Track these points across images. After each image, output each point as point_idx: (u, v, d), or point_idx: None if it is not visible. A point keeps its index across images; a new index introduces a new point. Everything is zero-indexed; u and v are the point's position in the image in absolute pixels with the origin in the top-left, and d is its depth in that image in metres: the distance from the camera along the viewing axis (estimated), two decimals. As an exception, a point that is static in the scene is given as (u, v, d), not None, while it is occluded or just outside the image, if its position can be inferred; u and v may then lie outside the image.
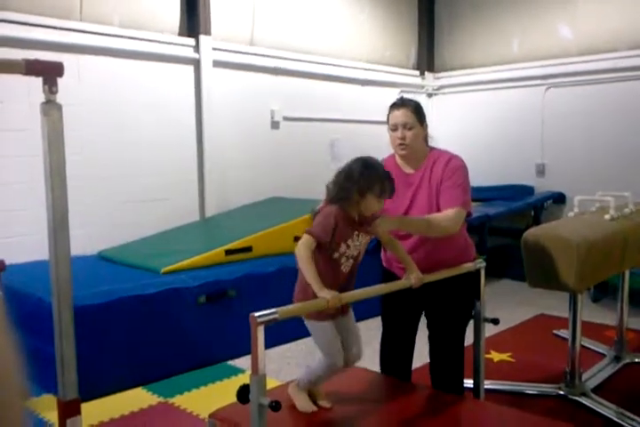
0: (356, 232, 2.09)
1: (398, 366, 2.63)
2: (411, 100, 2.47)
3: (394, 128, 2.38)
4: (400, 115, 2.37)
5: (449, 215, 2.29)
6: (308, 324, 2.16)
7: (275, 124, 5.87)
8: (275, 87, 5.81)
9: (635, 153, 5.85)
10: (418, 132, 2.39)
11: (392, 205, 2.38)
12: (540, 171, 6.55)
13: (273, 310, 1.70)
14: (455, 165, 2.39)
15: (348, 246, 2.09)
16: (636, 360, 3.67)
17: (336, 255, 2.08)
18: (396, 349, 2.63)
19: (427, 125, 2.46)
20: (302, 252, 1.99)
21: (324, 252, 2.06)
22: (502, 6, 6.82)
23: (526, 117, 6.63)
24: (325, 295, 1.92)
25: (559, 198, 6.34)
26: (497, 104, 6.92)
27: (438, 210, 2.34)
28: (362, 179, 2.04)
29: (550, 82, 6.44)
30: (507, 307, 4.89)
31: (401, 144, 2.37)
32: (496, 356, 3.81)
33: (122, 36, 4.67)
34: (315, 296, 1.96)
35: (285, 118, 5.89)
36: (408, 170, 2.45)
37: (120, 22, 4.71)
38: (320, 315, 2.09)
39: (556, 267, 2.73)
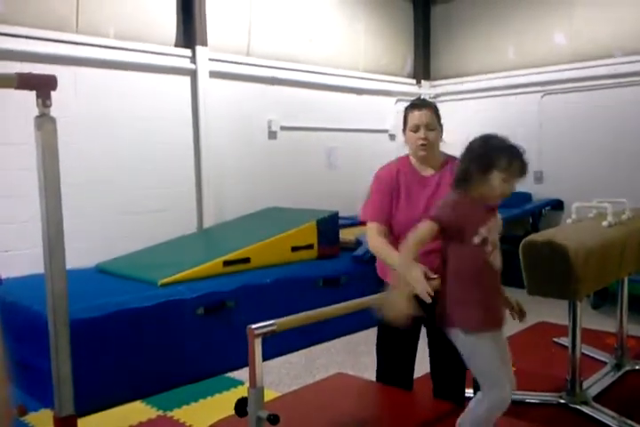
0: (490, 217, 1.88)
1: (400, 377, 2.59)
2: (430, 101, 2.48)
3: (415, 129, 2.35)
4: (422, 115, 2.35)
5: None
6: (466, 339, 1.80)
7: (272, 134, 5.87)
8: (272, 97, 5.83)
9: (632, 159, 5.86)
10: (438, 133, 2.39)
11: (406, 205, 2.38)
12: (538, 178, 6.55)
13: (271, 321, 1.68)
14: None
15: (489, 231, 1.86)
16: (637, 368, 3.65)
17: (476, 240, 1.82)
18: (397, 361, 2.59)
19: (442, 128, 2.46)
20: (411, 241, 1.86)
21: (461, 242, 1.82)
22: (497, 14, 6.86)
23: (523, 125, 6.64)
24: (417, 277, 1.80)
25: (557, 205, 6.34)
26: (493, 111, 6.94)
27: None
28: (483, 154, 1.81)
29: (546, 89, 6.46)
30: (506, 315, 4.86)
31: (423, 145, 2.35)
32: (496, 364, 3.78)
33: (118, 48, 4.68)
34: (484, 312, 1.73)
35: (283, 128, 5.90)
36: (424, 172, 2.43)
37: (116, 34, 4.72)
38: (487, 322, 1.78)
39: (555, 274, 2.72)
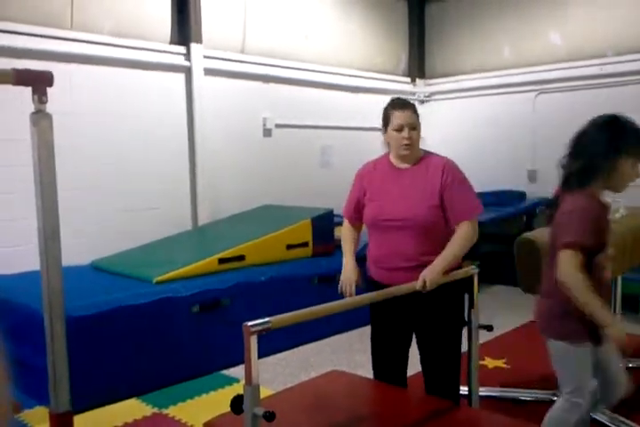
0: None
1: (393, 376, 2.61)
2: (410, 101, 2.54)
3: (399, 128, 2.41)
4: (406, 115, 2.42)
5: (467, 232, 2.37)
6: (557, 346, 1.86)
7: (267, 132, 5.87)
8: (266, 95, 5.82)
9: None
10: (419, 132, 2.47)
11: (378, 196, 2.47)
12: (532, 176, 6.58)
13: (266, 319, 1.69)
14: (459, 174, 2.45)
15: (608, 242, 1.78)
16: (631, 365, 3.67)
17: (599, 258, 1.75)
18: (388, 361, 2.62)
19: (420, 126, 2.52)
20: (574, 278, 1.64)
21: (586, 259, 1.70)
22: (492, 13, 6.87)
23: (517, 123, 6.67)
24: (619, 334, 1.65)
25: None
26: (488, 110, 6.95)
27: (443, 209, 2.39)
28: (611, 138, 1.66)
29: (540, 87, 6.48)
30: (500, 313, 4.89)
31: (407, 144, 2.41)
32: (490, 362, 3.80)
33: (113, 45, 4.67)
34: (583, 326, 1.67)
35: (278, 126, 5.89)
36: (401, 165, 2.51)
37: (110, 31, 4.71)
38: (582, 335, 1.76)
39: (549, 272, 2.73)
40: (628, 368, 3.60)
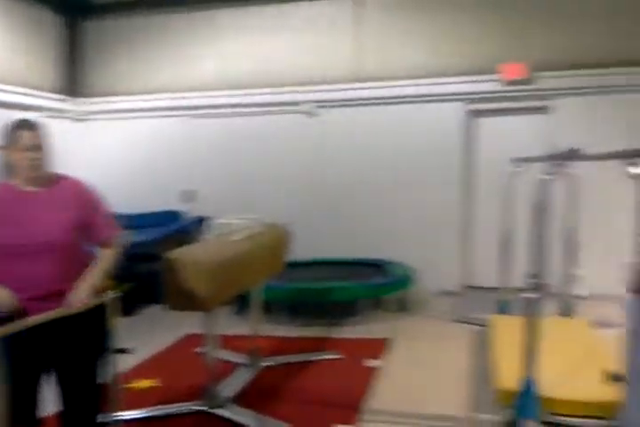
0: None
1: (30, 417, 2.39)
2: (38, 123, 2.44)
3: (27, 149, 2.32)
4: (35, 136, 2.35)
5: (111, 250, 2.49)
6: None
7: None
8: None
9: (267, 178, 6.58)
10: (47, 154, 2.40)
11: (7, 219, 2.30)
12: (190, 196, 6.83)
13: None
14: (94, 194, 2.49)
15: None
16: (269, 364, 4.02)
17: None
18: (27, 401, 2.37)
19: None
20: None
21: None
22: (152, 38, 7.05)
23: (173, 146, 6.91)
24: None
25: (207, 223, 6.69)
26: (145, 132, 7.04)
27: (88, 226, 2.42)
28: None
29: (194, 113, 6.84)
30: (155, 333, 4.88)
31: (35, 165, 2.34)
32: (142, 384, 3.75)
33: None
34: None
35: None
36: (29, 188, 2.39)
37: None
38: None
39: (188, 288, 2.87)
40: (267, 367, 3.96)
